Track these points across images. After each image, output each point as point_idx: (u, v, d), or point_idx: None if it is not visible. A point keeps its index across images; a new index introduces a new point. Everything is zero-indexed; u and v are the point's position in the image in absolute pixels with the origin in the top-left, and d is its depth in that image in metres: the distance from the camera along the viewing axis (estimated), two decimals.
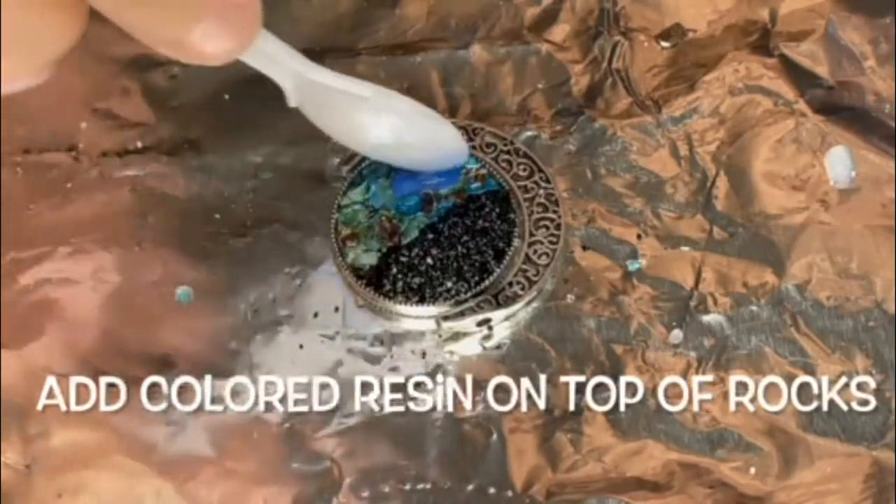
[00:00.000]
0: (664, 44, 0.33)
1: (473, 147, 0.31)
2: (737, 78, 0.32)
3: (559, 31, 0.33)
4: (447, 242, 0.29)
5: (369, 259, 0.30)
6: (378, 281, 0.29)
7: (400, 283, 0.29)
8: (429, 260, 0.29)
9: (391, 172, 0.30)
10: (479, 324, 0.30)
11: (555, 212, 0.30)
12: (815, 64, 0.32)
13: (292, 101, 0.27)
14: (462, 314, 0.29)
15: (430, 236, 0.30)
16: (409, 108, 0.28)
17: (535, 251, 0.30)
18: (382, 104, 0.28)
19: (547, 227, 0.30)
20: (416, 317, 0.29)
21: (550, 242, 0.30)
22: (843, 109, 0.31)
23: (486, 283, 0.29)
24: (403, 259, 0.29)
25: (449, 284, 0.29)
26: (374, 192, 0.30)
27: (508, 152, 0.31)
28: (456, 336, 0.30)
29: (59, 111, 0.32)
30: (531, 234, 0.30)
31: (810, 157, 0.31)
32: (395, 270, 0.29)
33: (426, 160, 0.30)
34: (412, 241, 0.30)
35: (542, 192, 0.30)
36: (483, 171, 0.30)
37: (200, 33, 0.20)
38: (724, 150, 0.31)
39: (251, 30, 0.21)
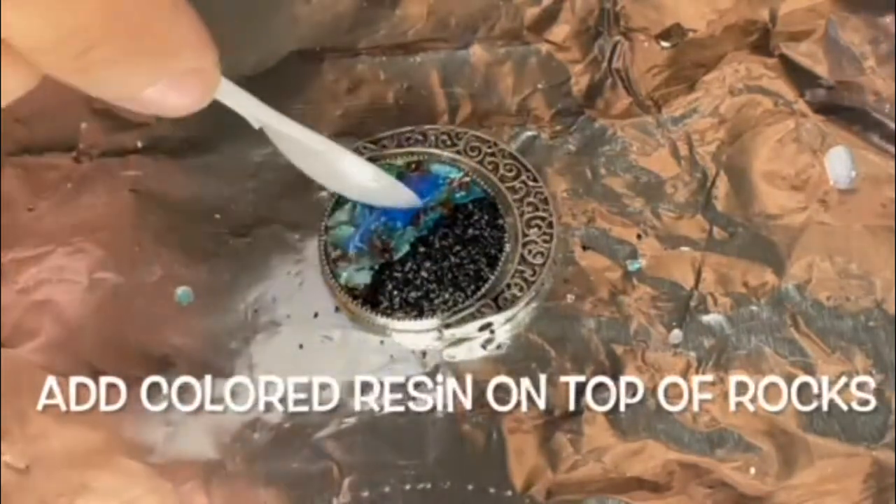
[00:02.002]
0: (664, 44, 0.33)
1: (457, 152, 0.31)
2: (737, 78, 0.32)
3: (559, 31, 0.33)
4: (439, 254, 0.29)
5: (363, 278, 0.30)
6: (374, 298, 0.29)
7: (397, 299, 0.29)
8: (423, 273, 0.29)
9: None
10: (481, 328, 0.30)
11: (546, 210, 0.30)
12: (815, 64, 0.32)
13: (255, 125, 0.27)
14: (463, 321, 0.29)
15: (422, 249, 0.30)
16: (368, 173, 0.29)
17: (530, 251, 0.30)
18: (332, 161, 0.29)
19: (539, 227, 0.30)
20: (417, 330, 0.29)
21: (544, 241, 0.30)
22: (843, 109, 0.31)
23: (483, 290, 0.29)
24: (397, 274, 0.29)
25: (446, 295, 0.29)
26: (360, 210, 0.30)
27: (493, 154, 0.31)
28: (458, 342, 0.30)
29: (59, 111, 0.32)
30: (524, 235, 0.30)
31: (810, 157, 0.31)
32: (390, 287, 0.29)
33: (372, 201, 0.30)
34: (404, 255, 0.30)
35: (531, 191, 0.30)
36: (467, 180, 0.30)
37: (152, 95, 0.20)
38: (724, 150, 0.31)
39: (205, 91, 0.21)
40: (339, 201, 0.30)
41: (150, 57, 0.19)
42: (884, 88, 0.31)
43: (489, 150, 0.31)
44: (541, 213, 0.30)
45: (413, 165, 0.31)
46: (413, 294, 0.29)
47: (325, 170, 0.29)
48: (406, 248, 0.30)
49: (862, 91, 0.32)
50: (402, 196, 0.30)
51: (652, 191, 0.31)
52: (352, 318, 0.30)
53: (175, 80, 0.20)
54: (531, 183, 0.31)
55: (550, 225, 0.30)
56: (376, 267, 0.30)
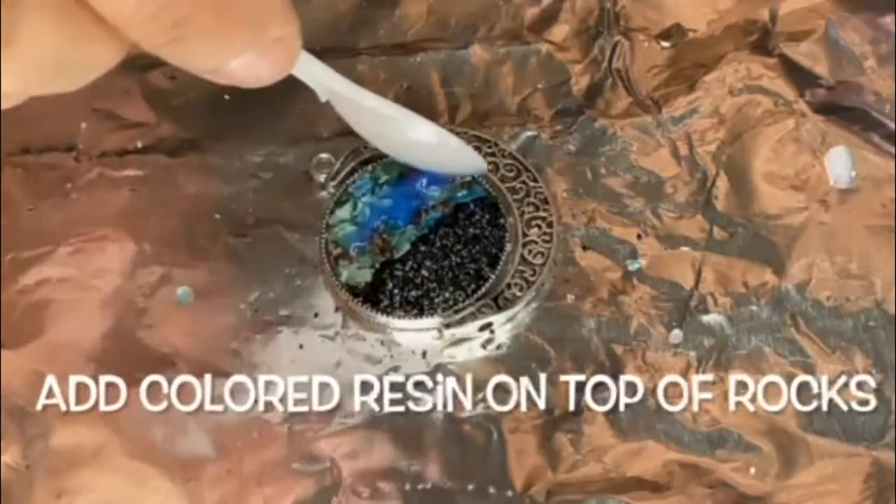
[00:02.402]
0: (664, 44, 0.33)
1: None
2: (737, 78, 0.32)
3: (559, 31, 0.33)
4: (440, 253, 0.29)
5: (363, 276, 0.30)
6: (374, 297, 0.29)
7: (397, 298, 0.29)
8: (423, 272, 0.29)
9: (377, 188, 0.30)
10: (482, 328, 0.30)
11: (546, 210, 0.30)
12: (815, 64, 0.32)
13: (322, 96, 0.27)
14: (463, 320, 0.29)
15: (423, 248, 0.30)
16: (436, 137, 0.29)
17: (530, 251, 0.30)
18: (402, 127, 0.28)
19: (539, 227, 0.30)
20: (417, 329, 0.29)
21: (544, 241, 0.30)
22: (843, 109, 0.31)
23: (483, 289, 0.29)
24: (398, 273, 0.29)
25: (446, 294, 0.29)
26: (362, 208, 0.30)
27: (493, 154, 0.31)
28: (458, 342, 0.30)
29: (59, 111, 0.32)
30: (524, 235, 0.30)
31: (810, 157, 0.31)
32: (390, 285, 0.29)
33: (441, 169, 0.30)
34: (405, 254, 0.30)
35: (531, 191, 0.30)
36: (468, 179, 0.30)
37: (238, 65, 0.20)
38: (724, 150, 0.31)
39: (289, 60, 0.22)
40: (341, 200, 0.30)
41: (240, 28, 0.19)
42: (884, 88, 0.31)
43: (489, 150, 0.31)
44: (541, 214, 0.30)
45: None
46: (413, 293, 0.29)
47: (395, 137, 0.29)
48: (407, 246, 0.30)
49: (862, 91, 0.32)
50: (470, 160, 0.29)
51: (652, 191, 0.31)
52: (352, 317, 0.30)
53: (262, 50, 0.20)
54: (531, 183, 0.31)
55: (550, 225, 0.30)
56: (377, 265, 0.30)
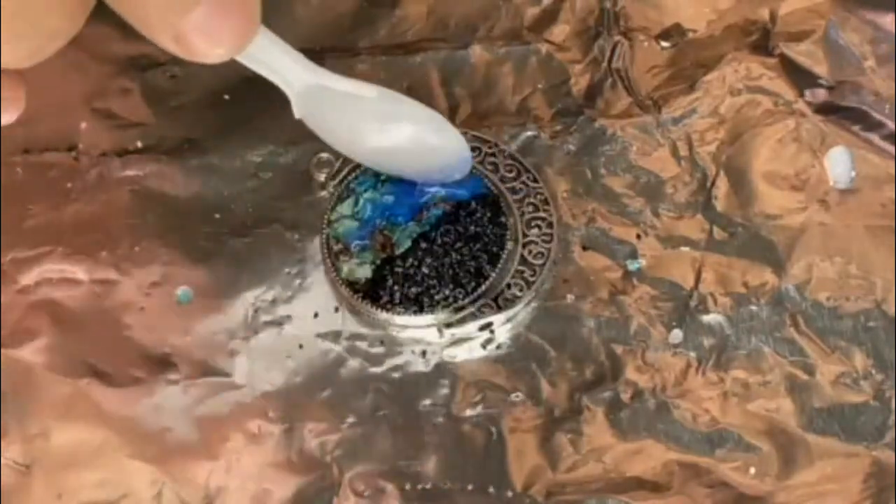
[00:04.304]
0: (664, 44, 0.33)
1: None
2: (737, 78, 0.32)
3: (559, 31, 0.33)
4: (441, 250, 0.29)
5: (364, 272, 0.30)
6: (375, 293, 0.29)
7: (397, 294, 0.29)
8: (424, 269, 0.29)
9: (379, 184, 0.30)
10: (482, 328, 0.30)
11: (546, 210, 0.30)
12: (815, 64, 0.32)
13: (297, 112, 0.27)
14: (464, 320, 0.29)
15: (424, 245, 0.30)
16: (414, 112, 0.28)
17: (530, 251, 0.30)
18: (387, 107, 0.28)
19: (539, 227, 0.30)
20: (417, 326, 0.29)
21: (544, 241, 0.30)
22: (843, 109, 0.31)
23: (483, 287, 0.29)
24: (398, 270, 0.29)
25: (446, 292, 0.29)
26: (363, 204, 0.30)
27: (493, 154, 0.31)
28: (458, 341, 0.30)
29: (59, 111, 0.32)
30: (524, 235, 0.30)
31: (810, 157, 0.31)
32: (391, 282, 0.29)
33: (424, 170, 0.30)
34: (406, 251, 0.30)
35: (531, 191, 0.30)
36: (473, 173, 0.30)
37: (197, 20, 0.20)
38: (724, 150, 0.31)
39: (249, 24, 0.21)
40: (342, 196, 0.30)
41: None
42: (884, 88, 0.31)
43: (489, 151, 0.31)
44: (541, 214, 0.30)
45: None
46: (413, 290, 0.29)
47: (362, 131, 0.28)
48: (408, 243, 0.30)
49: (862, 91, 0.31)
50: (450, 153, 0.29)
51: (652, 191, 0.31)
52: (352, 314, 0.30)
53: (218, 5, 0.20)
54: (531, 183, 0.31)
55: (550, 225, 0.30)
56: (378, 262, 0.30)
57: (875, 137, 0.31)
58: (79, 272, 0.31)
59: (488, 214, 0.30)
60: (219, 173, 0.32)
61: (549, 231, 0.30)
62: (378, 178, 0.30)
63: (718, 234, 0.31)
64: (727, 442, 0.29)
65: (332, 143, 0.28)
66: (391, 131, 0.28)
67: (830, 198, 0.31)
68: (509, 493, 0.29)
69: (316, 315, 0.30)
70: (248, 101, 0.32)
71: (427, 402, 0.29)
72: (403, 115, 0.28)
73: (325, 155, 0.31)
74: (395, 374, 0.30)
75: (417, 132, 0.28)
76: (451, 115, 0.32)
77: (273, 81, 0.26)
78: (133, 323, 0.30)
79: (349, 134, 0.28)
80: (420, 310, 0.29)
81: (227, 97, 0.32)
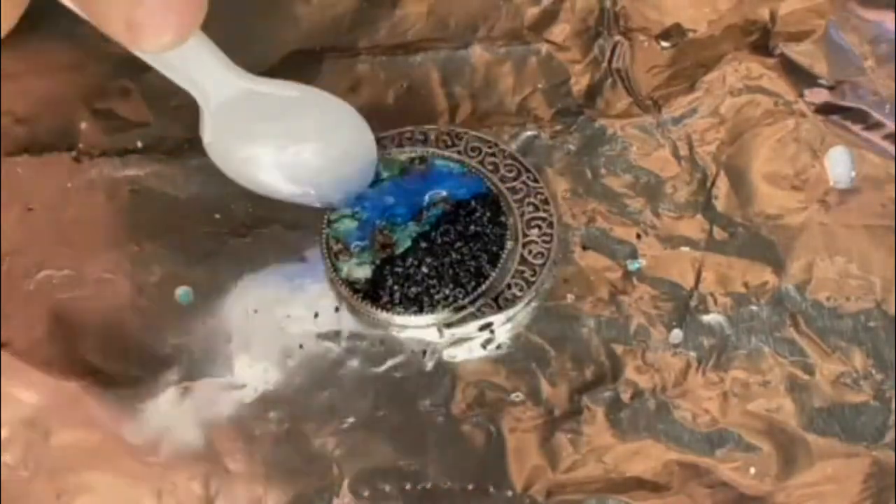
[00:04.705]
0: (664, 44, 0.33)
1: (458, 152, 0.31)
2: (737, 78, 0.32)
3: (559, 31, 0.33)
4: (441, 250, 0.29)
5: (364, 272, 0.30)
6: (375, 293, 0.29)
7: (397, 294, 0.29)
8: (424, 269, 0.29)
9: (378, 184, 0.30)
10: (482, 328, 0.30)
11: (546, 210, 0.30)
12: (815, 64, 0.32)
13: (206, 136, 0.27)
14: (464, 320, 0.29)
15: (423, 245, 0.30)
16: (331, 108, 0.28)
17: (530, 251, 0.30)
18: (311, 104, 0.28)
19: (539, 227, 0.30)
20: (417, 326, 0.29)
21: (544, 241, 0.30)
22: (843, 109, 0.31)
23: (483, 287, 0.29)
24: (398, 269, 0.29)
25: (446, 292, 0.29)
26: (364, 204, 0.30)
27: (493, 154, 0.31)
28: (458, 341, 0.30)
29: (59, 111, 0.32)
30: (524, 235, 0.30)
31: (810, 157, 0.31)
32: (390, 282, 0.29)
33: (331, 175, 0.30)
34: (405, 250, 0.30)
35: (531, 191, 0.30)
36: (474, 172, 0.30)
37: (146, 13, 0.20)
38: (724, 150, 0.31)
39: (195, 11, 0.21)
40: None
41: None
42: (884, 88, 0.31)
43: (489, 151, 0.31)
44: (541, 214, 0.30)
45: (416, 160, 0.31)
46: (413, 289, 0.29)
47: (272, 161, 0.29)
48: (408, 243, 0.30)
49: (862, 91, 0.32)
50: (360, 163, 0.29)
51: (652, 191, 0.31)
52: (352, 313, 0.30)
53: None
54: (531, 183, 0.31)
55: (551, 225, 0.30)
56: (377, 262, 0.30)
57: (875, 137, 0.31)
58: (79, 272, 0.31)
59: (488, 214, 0.30)
60: (219, 173, 0.32)
61: (549, 231, 0.30)
62: (377, 178, 0.30)
63: (718, 234, 0.31)
64: (727, 442, 0.29)
65: (232, 174, 0.29)
66: (308, 131, 0.29)
67: (830, 198, 0.31)
68: (509, 493, 0.29)
69: (316, 315, 0.30)
70: None
71: (427, 402, 0.29)
72: (320, 115, 0.29)
73: None
74: (395, 374, 0.30)
75: (327, 127, 0.29)
76: (451, 115, 0.32)
77: (190, 89, 0.26)
78: (133, 323, 0.30)
79: (249, 178, 0.29)
80: (420, 310, 0.29)
81: None
